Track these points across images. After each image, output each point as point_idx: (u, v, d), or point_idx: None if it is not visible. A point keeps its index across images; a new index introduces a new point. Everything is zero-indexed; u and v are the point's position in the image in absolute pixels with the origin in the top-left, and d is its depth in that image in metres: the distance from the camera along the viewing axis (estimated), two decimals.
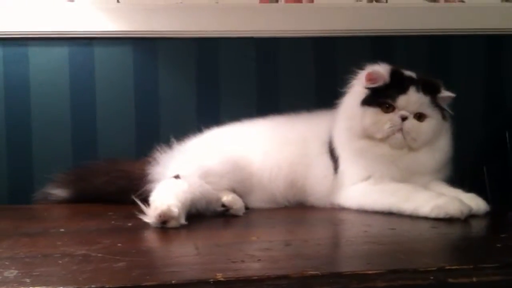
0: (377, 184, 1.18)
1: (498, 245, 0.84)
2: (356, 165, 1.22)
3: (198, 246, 0.87)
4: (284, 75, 1.56)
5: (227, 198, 1.12)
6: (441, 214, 1.04)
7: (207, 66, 1.54)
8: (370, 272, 0.70)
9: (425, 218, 1.05)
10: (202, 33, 1.52)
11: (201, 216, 1.09)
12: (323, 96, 1.49)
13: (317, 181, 1.26)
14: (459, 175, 1.29)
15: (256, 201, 1.24)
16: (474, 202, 1.12)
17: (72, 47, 1.50)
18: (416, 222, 1.03)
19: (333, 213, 1.17)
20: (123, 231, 1.00)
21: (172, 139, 1.27)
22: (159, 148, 1.26)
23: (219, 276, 0.68)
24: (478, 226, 1.03)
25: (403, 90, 1.19)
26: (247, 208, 1.18)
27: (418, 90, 1.19)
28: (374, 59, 1.52)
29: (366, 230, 0.97)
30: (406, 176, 1.19)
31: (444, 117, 1.24)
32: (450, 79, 1.59)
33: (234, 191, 1.18)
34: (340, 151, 1.25)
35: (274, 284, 0.68)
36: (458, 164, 1.30)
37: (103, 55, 1.51)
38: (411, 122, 1.19)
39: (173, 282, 0.67)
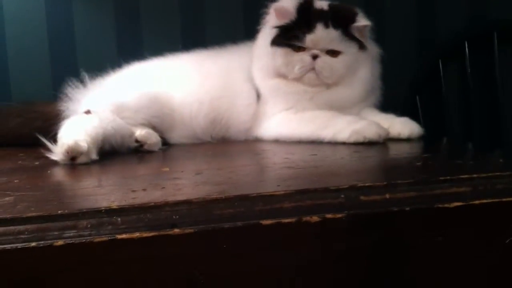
0: (297, 113, 1.13)
1: (418, 164, 0.81)
2: (274, 100, 1.17)
3: (101, 179, 0.81)
4: (210, 7, 1.47)
5: (141, 133, 1.05)
6: (360, 138, 1.01)
7: None
8: (277, 193, 0.65)
9: (348, 144, 1.01)
10: None
11: (117, 153, 1.03)
12: (251, 29, 1.41)
13: (240, 111, 1.19)
14: (393, 104, 1.25)
15: (178, 137, 1.17)
16: (408, 126, 1.10)
17: None
18: (339, 148, 0.99)
19: (257, 144, 1.11)
20: (27, 170, 0.92)
21: (84, 74, 1.18)
22: (72, 84, 1.17)
23: (113, 205, 0.62)
24: (403, 148, 1.00)
25: (310, 28, 1.11)
26: (166, 144, 1.12)
27: (326, 25, 1.11)
28: None
29: (287, 157, 0.92)
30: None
31: (361, 48, 1.15)
32: (383, 8, 1.55)
33: (153, 126, 1.11)
34: (259, 87, 1.19)
35: (173, 210, 0.62)
36: (391, 93, 1.26)
37: None
38: (323, 60, 1.12)
39: (59, 212, 0.61)
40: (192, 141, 1.17)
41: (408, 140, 1.06)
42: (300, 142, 1.07)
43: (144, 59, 1.30)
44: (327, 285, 0.64)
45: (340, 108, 1.14)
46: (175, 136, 1.17)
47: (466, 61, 1.52)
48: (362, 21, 1.13)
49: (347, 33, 1.13)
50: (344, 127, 1.05)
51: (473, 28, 1.56)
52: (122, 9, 1.43)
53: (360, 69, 1.16)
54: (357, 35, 1.14)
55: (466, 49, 1.51)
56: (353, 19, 1.13)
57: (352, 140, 1.02)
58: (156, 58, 1.30)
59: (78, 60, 1.42)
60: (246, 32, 1.43)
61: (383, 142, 1.02)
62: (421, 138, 1.08)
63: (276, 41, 1.15)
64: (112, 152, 1.01)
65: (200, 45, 1.33)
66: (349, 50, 1.13)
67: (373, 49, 1.21)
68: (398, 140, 1.06)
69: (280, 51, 1.14)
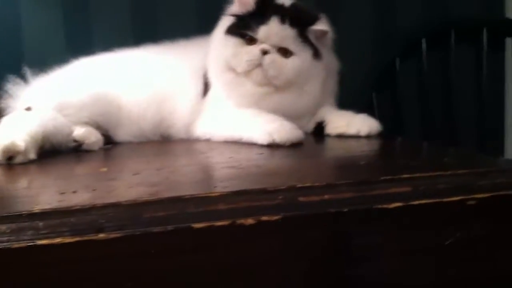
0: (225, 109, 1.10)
1: (361, 163, 0.79)
2: (222, 94, 1.12)
3: (33, 180, 0.77)
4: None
5: (78, 132, 1.01)
6: (270, 141, 0.96)
7: None
8: (212, 194, 0.63)
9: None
10: None
11: (59, 151, 0.98)
12: (205, 24, 1.37)
13: (181, 108, 1.15)
14: (349, 101, 1.23)
15: (125, 135, 1.13)
16: (367, 123, 1.08)
17: None
18: (287, 147, 0.96)
19: (204, 143, 1.08)
20: None
21: (25, 69, 1.12)
22: (12, 80, 1.11)
23: (36, 208, 0.59)
24: (350, 147, 0.97)
25: (265, 20, 1.07)
26: (110, 142, 1.08)
27: (282, 21, 1.06)
28: None
29: (232, 156, 0.89)
30: None
31: (316, 56, 1.10)
32: (340, 4, 1.54)
33: (98, 125, 1.07)
34: (212, 81, 1.14)
35: (100, 214, 0.59)
36: (347, 90, 1.25)
37: None
38: (272, 57, 1.07)
39: None
40: (139, 140, 1.14)
41: (366, 137, 1.05)
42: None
43: (93, 54, 1.26)
44: None
45: (289, 115, 1.07)
46: (122, 134, 1.13)
47: (423, 59, 1.51)
48: (320, 26, 1.09)
49: (303, 36, 1.08)
50: (259, 128, 1.00)
51: (431, 26, 1.55)
52: (70, 1, 1.38)
53: (311, 80, 1.11)
54: (313, 40, 1.09)
55: (423, 46, 1.51)
56: (311, 22, 1.09)
57: (263, 142, 0.97)
58: (104, 53, 1.25)
59: (25, 56, 1.36)
60: (199, 26, 1.39)
61: (336, 140, 1.00)
62: (378, 136, 1.07)
63: (230, 30, 1.10)
64: (54, 150, 0.97)
65: (151, 39, 1.29)
66: (302, 53, 1.09)
67: (333, 61, 1.18)
68: (350, 137, 1.05)
69: (232, 41, 1.09)
